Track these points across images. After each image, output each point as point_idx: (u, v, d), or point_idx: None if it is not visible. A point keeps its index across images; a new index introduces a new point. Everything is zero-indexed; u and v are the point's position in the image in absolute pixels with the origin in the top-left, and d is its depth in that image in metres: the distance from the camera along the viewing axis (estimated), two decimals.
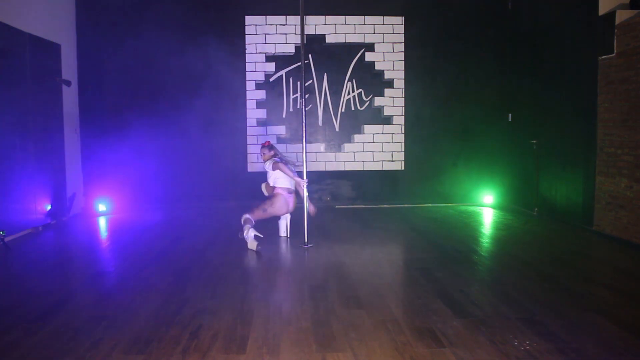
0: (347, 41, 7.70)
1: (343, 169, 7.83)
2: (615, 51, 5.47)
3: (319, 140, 7.77)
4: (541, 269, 4.42)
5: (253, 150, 7.69)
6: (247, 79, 7.65)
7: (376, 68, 7.74)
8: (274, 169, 5.35)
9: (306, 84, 7.32)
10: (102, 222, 6.68)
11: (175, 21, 7.41)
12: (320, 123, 7.78)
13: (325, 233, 5.87)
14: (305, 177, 5.35)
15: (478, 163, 7.85)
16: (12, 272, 4.54)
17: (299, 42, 6.04)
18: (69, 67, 6.95)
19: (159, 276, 4.28)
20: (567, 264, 4.60)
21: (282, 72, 7.65)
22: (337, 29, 7.68)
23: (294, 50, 7.59)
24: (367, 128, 7.81)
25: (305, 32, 5.81)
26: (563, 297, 3.69)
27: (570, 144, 6.29)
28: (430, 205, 7.80)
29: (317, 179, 7.74)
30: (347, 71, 7.73)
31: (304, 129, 5.33)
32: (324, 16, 7.65)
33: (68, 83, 6.76)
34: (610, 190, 5.58)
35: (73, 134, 7.12)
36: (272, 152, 5.52)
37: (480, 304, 3.56)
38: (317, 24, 7.65)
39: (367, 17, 7.70)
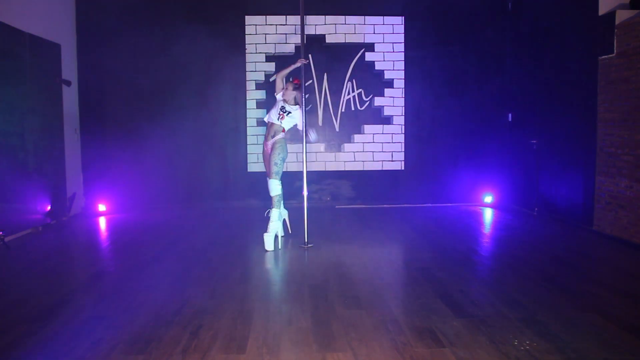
0: (347, 41, 7.69)
1: (343, 169, 7.83)
2: (615, 51, 5.47)
3: (319, 140, 7.77)
4: (541, 269, 4.42)
5: (253, 150, 7.68)
6: (247, 79, 7.64)
7: (376, 68, 7.74)
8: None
9: (306, 84, 7.28)
10: (102, 222, 6.68)
11: (175, 21, 7.40)
12: (320, 123, 7.78)
13: (325, 233, 5.87)
14: (305, 177, 5.36)
15: (478, 163, 7.84)
16: (12, 272, 4.54)
17: (299, 42, 6.03)
18: (69, 67, 6.94)
19: (159, 276, 4.28)
20: (567, 264, 4.60)
21: None
22: (337, 29, 7.67)
23: (294, 50, 7.58)
24: (367, 128, 7.80)
25: (305, 32, 5.81)
26: (563, 297, 3.69)
27: (570, 144, 6.29)
28: (430, 205, 7.80)
29: (317, 179, 7.73)
30: (347, 71, 7.73)
31: (303, 129, 5.35)
32: (324, 16, 7.64)
33: (68, 83, 6.75)
34: (610, 191, 5.58)
35: (73, 134, 7.12)
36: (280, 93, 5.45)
37: (480, 304, 3.56)
38: (317, 24, 7.64)
39: (367, 17, 7.69)
